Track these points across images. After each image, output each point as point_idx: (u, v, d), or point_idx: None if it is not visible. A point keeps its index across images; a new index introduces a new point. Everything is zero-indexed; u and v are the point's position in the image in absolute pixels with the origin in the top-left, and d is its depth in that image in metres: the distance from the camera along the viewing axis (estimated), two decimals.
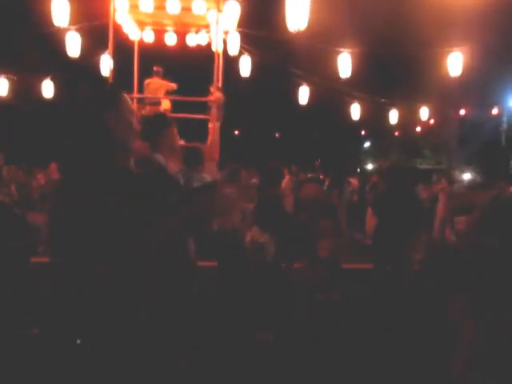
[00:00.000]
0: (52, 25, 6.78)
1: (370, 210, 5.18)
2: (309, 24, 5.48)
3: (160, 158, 2.69)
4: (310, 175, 7.41)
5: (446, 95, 14.30)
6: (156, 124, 2.85)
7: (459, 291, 2.94)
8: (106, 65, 7.61)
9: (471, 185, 3.07)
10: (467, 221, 2.90)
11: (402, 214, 4.36)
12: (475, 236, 2.83)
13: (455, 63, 7.68)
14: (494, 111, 17.07)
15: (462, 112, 16.91)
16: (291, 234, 4.09)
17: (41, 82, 9.23)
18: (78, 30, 7.41)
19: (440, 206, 4.27)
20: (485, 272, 2.79)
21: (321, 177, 9.07)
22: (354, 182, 11.37)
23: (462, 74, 7.87)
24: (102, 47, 7.70)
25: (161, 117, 2.83)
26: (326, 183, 7.47)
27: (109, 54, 7.16)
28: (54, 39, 7.71)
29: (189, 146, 4.29)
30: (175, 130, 2.87)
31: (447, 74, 7.86)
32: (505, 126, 19.53)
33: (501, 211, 2.81)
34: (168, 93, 7.93)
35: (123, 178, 1.43)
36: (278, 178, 4.12)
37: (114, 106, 1.45)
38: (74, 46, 7.48)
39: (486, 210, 2.81)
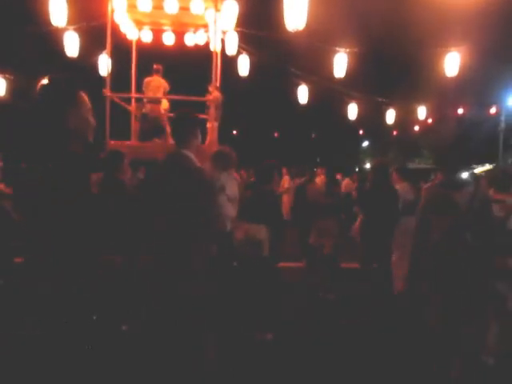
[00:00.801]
0: (50, 24, 6.78)
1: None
2: (307, 23, 5.48)
3: (191, 154, 2.69)
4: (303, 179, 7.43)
5: (443, 95, 14.34)
6: (188, 123, 2.86)
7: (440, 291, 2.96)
8: (104, 64, 7.60)
9: (444, 184, 3.04)
10: (448, 220, 2.92)
11: (384, 212, 4.43)
12: (458, 234, 2.86)
13: (452, 63, 7.71)
14: (492, 110, 17.13)
15: (460, 111, 16.95)
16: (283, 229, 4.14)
17: (38, 81, 9.22)
18: (76, 29, 7.41)
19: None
20: (468, 268, 2.83)
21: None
22: (346, 182, 11.35)
23: (459, 74, 7.89)
24: (100, 47, 7.69)
25: (193, 116, 2.84)
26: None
27: (107, 53, 7.16)
28: (52, 39, 7.70)
29: (218, 150, 4.33)
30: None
31: (444, 73, 7.89)
32: (503, 125, 19.57)
33: (478, 209, 2.85)
34: (166, 92, 7.94)
35: (84, 169, 1.53)
36: (272, 175, 4.14)
37: (73, 104, 1.54)
38: (72, 45, 7.48)
39: (465, 209, 2.85)
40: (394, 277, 4.83)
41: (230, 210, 3.68)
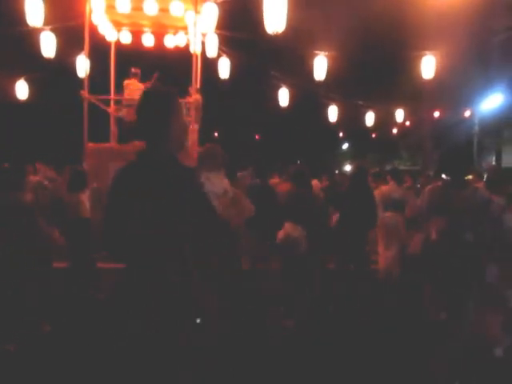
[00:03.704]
0: (26, 25, 6.64)
1: None
2: (287, 26, 5.53)
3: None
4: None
5: (420, 98, 14.67)
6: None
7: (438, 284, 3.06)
8: (82, 66, 7.50)
9: (444, 184, 3.23)
10: (446, 220, 3.02)
11: (360, 212, 4.60)
12: (457, 233, 2.95)
13: (428, 67, 7.90)
14: (467, 113, 17.59)
15: (437, 114, 17.36)
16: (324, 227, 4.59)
17: (15, 82, 9.02)
18: (53, 30, 7.27)
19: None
20: (466, 266, 2.92)
21: None
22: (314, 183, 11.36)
23: (435, 78, 8.09)
24: (78, 48, 7.58)
25: None
26: None
27: (85, 54, 7.07)
28: (29, 39, 7.54)
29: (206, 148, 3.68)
30: None
31: (421, 77, 8.08)
32: (476, 128, 20.10)
33: (476, 208, 2.96)
34: None
35: (188, 173, 1.72)
36: (307, 179, 4.58)
37: (176, 112, 1.75)
38: (48, 46, 7.33)
39: (464, 208, 2.95)
40: (380, 263, 5.41)
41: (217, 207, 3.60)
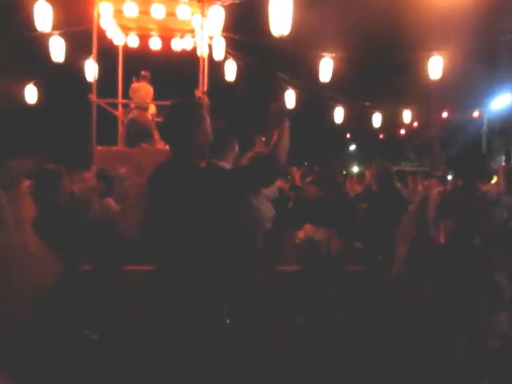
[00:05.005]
0: (35, 29, 6.73)
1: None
2: (293, 29, 5.53)
3: (227, 166, 2.73)
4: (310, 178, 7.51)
5: (428, 98, 14.60)
6: (224, 134, 2.96)
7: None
8: (91, 70, 7.57)
9: (454, 187, 3.20)
10: (455, 223, 3.01)
11: (389, 211, 4.58)
12: (466, 236, 2.94)
13: (436, 67, 7.85)
14: (475, 114, 17.46)
15: (445, 115, 17.24)
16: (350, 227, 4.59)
17: (24, 86, 9.13)
18: (61, 34, 7.35)
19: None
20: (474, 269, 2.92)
21: None
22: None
23: (442, 78, 8.04)
24: (87, 52, 7.66)
25: (228, 128, 2.95)
26: None
27: (93, 58, 7.14)
28: (38, 44, 7.63)
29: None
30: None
31: (428, 77, 8.03)
32: (485, 127, 19.94)
33: (487, 212, 2.94)
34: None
35: (209, 175, 1.81)
36: (328, 181, 4.70)
37: (201, 124, 1.87)
38: (57, 50, 7.41)
39: (473, 212, 2.93)
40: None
41: (269, 210, 3.67)
